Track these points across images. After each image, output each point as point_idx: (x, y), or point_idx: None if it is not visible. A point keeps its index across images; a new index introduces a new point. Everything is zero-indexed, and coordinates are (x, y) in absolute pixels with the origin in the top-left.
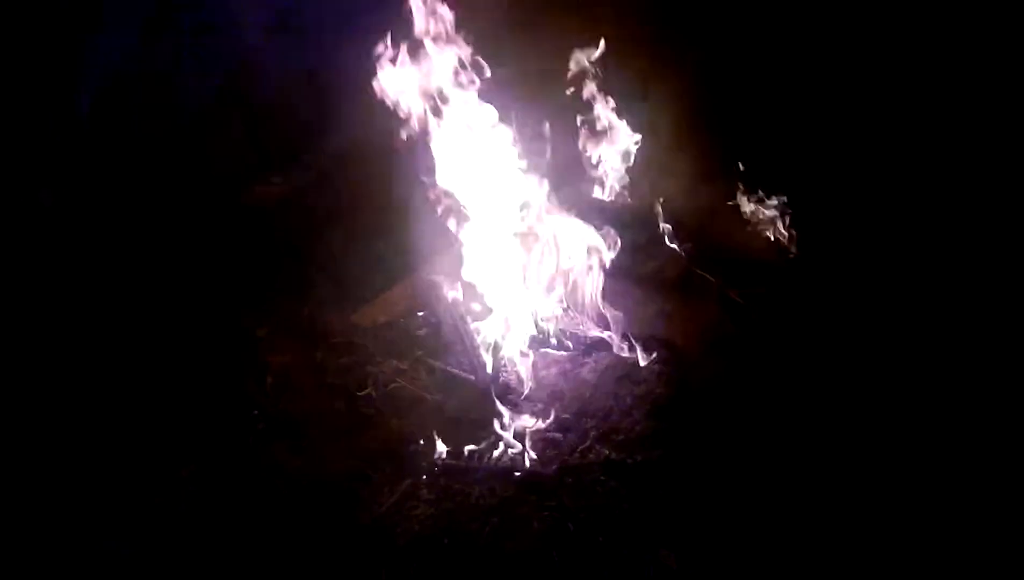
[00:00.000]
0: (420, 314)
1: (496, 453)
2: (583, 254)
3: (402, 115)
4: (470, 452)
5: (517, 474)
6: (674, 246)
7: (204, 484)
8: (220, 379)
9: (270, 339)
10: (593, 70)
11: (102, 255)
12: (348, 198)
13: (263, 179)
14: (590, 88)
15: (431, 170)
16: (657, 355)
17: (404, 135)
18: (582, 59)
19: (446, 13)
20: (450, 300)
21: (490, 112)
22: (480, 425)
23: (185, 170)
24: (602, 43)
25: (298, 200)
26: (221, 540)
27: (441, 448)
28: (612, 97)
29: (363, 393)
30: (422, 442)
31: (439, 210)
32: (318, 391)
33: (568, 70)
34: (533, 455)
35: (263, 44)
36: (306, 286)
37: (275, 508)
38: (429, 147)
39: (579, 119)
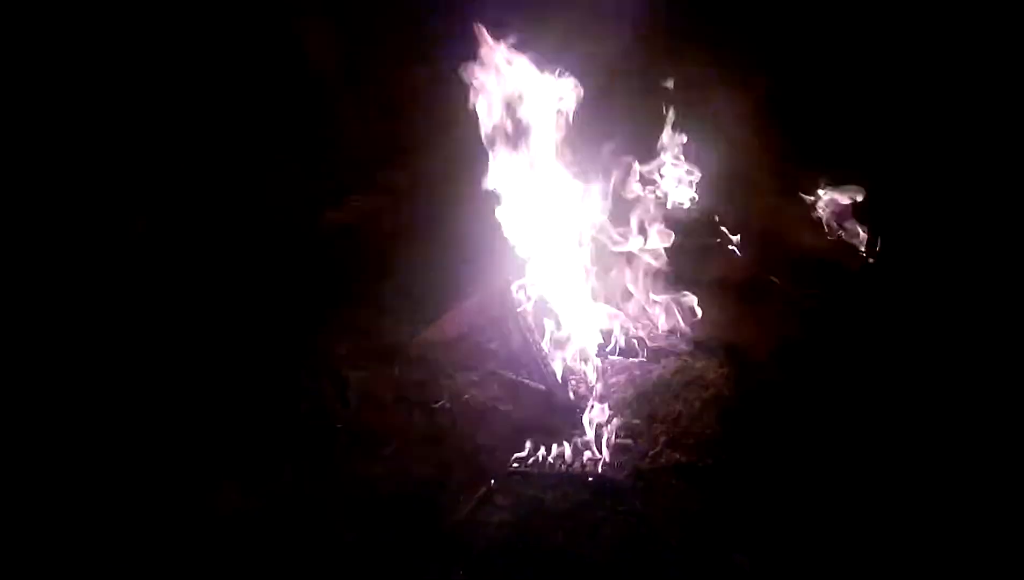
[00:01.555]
0: (490, 327)
1: (568, 459)
2: (649, 260)
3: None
4: (543, 459)
5: (590, 479)
6: (740, 250)
7: (296, 493)
8: (305, 395)
9: (350, 356)
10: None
11: (191, 280)
12: (421, 218)
13: (341, 202)
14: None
15: (500, 188)
16: (724, 359)
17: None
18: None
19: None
20: (518, 312)
21: (554, 127)
22: (552, 432)
23: (265, 197)
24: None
25: (374, 221)
26: (312, 544)
27: (515, 455)
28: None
29: (438, 405)
30: (496, 450)
31: (507, 225)
32: (396, 404)
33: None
34: (605, 460)
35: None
36: (382, 304)
37: (360, 516)
38: (500, 163)
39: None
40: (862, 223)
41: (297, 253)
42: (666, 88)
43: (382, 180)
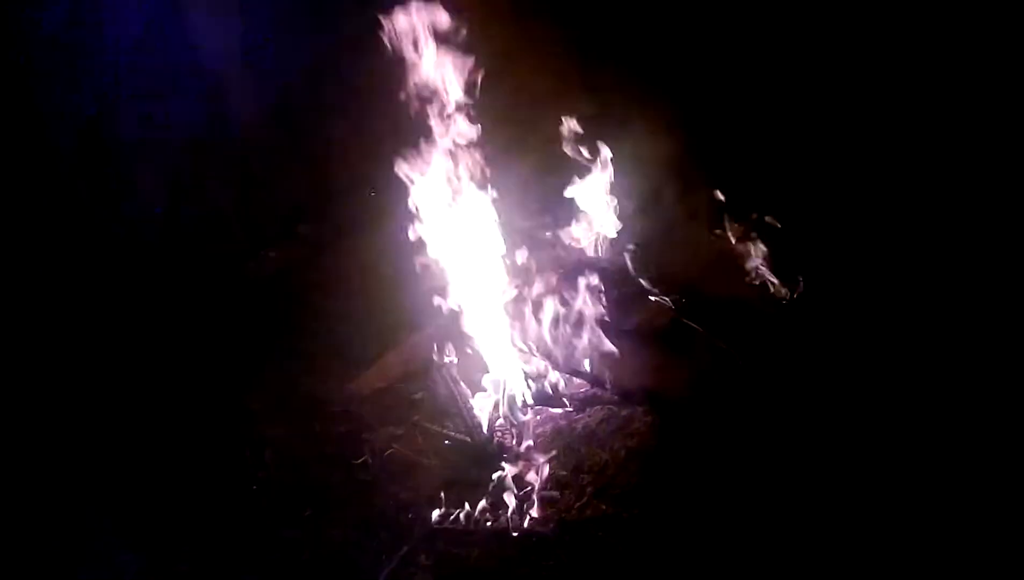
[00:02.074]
0: (415, 379)
1: (494, 514)
2: (571, 311)
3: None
4: (468, 515)
5: (516, 534)
6: (660, 298)
7: (208, 562)
8: (218, 455)
9: (267, 412)
10: (572, 126)
11: (98, 333)
12: (343, 269)
13: (258, 254)
14: (571, 144)
15: (422, 237)
16: (649, 407)
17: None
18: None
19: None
20: (444, 363)
21: (475, 178)
22: (477, 487)
23: (178, 250)
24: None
25: (294, 273)
26: None
27: (438, 512)
28: (594, 151)
29: (360, 461)
30: (419, 507)
31: (430, 277)
32: (316, 462)
33: (546, 125)
34: (531, 515)
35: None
36: (302, 357)
37: None
38: (418, 215)
39: (564, 176)
40: (780, 268)
41: (212, 307)
42: (585, 135)
43: (302, 231)
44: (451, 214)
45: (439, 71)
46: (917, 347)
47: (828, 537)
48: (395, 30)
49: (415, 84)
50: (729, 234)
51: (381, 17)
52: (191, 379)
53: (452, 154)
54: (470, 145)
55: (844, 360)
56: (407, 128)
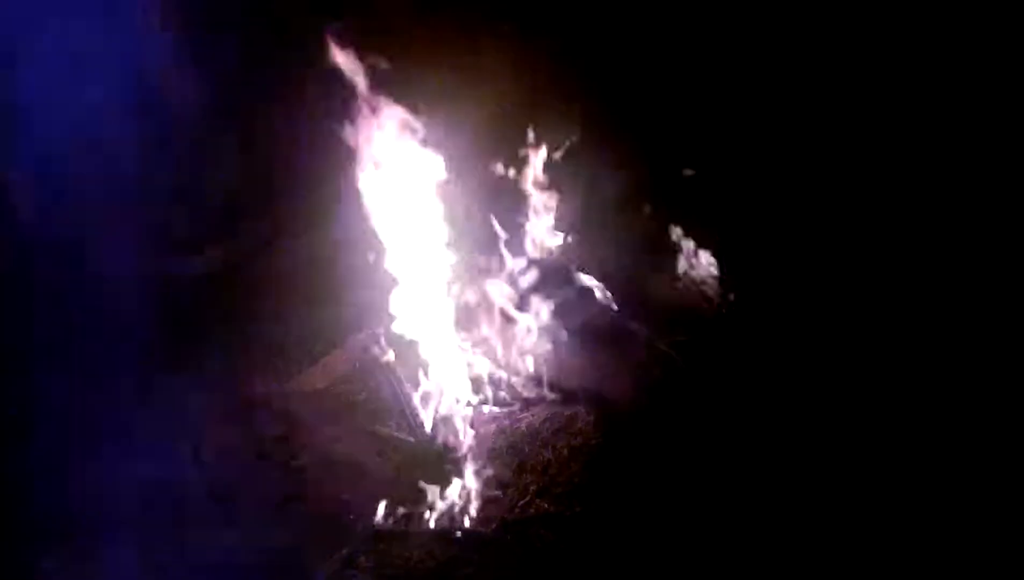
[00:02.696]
0: (358, 379)
1: (436, 515)
2: (515, 312)
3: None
4: (410, 515)
5: (458, 534)
6: (603, 300)
7: (143, 564)
8: (155, 455)
9: (207, 412)
10: (524, 133)
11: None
12: (285, 266)
13: (200, 251)
14: (520, 148)
15: (366, 236)
16: (592, 406)
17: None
18: (513, 122)
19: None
20: (387, 363)
21: (424, 176)
22: (419, 487)
23: (115, 245)
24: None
25: (235, 270)
26: None
27: (380, 513)
28: (541, 156)
29: (300, 462)
30: (361, 508)
31: (374, 275)
32: (255, 463)
33: (497, 131)
34: (473, 514)
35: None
36: (243, 356)
37: None
38: (365, 212)
39: (509, 179)
40: (719, 271)
41: (149, 303)
42: (530, 138)
43: (243, 228)
44: (396, 212)
45: (387, 70)
46: (855, 347)
47: (766, 532)
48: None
49: (362, 80)
50: (670, 235)
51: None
52: (126, 375)
53: (399, 152)
54: (419, 144)
55: (782, 359)
56: (352, 126)
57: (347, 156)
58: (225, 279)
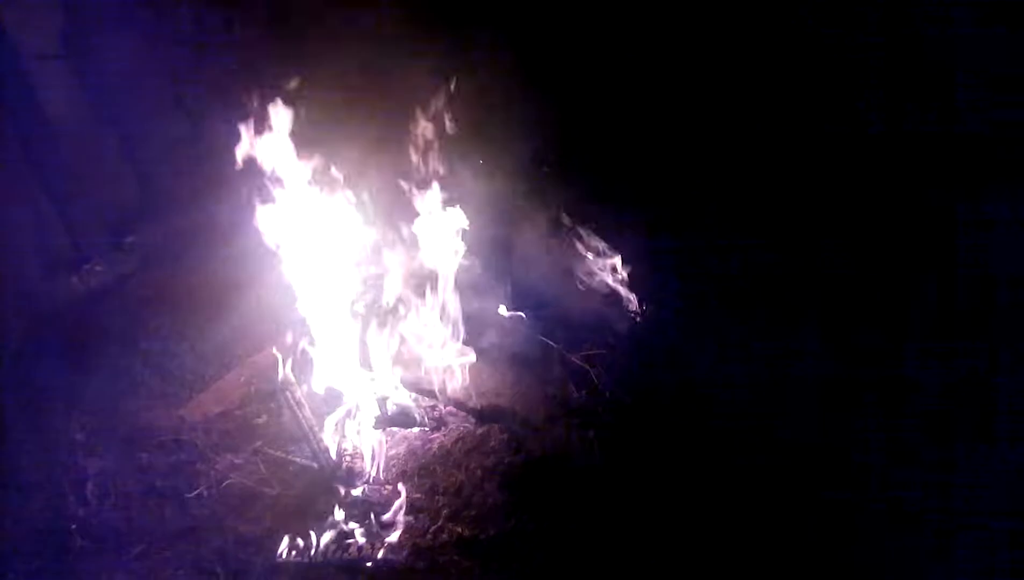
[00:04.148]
0: (256, 402)
1: (344, 544)
2: (424, 331)
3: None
4: (315, 547)
5: (368, 564)
6: (514, 316)
7: None
8: (32, 491)
9: (89, 442)
10: (425, 140)
11: None
12: (173, 284)
13: (81, 266)
14: (423, 161)
15: (264, 251)
16: (504, 425)
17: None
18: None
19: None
20: (287, 385)
21: (324, 190)
22: (326, 515)
23: None
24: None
25: (119, 288)
26: None
27: (283, 545)
28: (445, 170)
29: (194, 494)
30: (261, 541)
31: (272, 293)
32: (144, 497)
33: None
34: (384, 542)
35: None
36: (129, 381)
37: None
38: (261, 226)
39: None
40: (631, 283)
41: (28, 324)
42: (437, 147)
43: (129, 242)
44: (297, 225)
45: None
46: (771, 352)
47: (687, 543)
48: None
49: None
50: (581, 249)
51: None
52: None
53: (300, 159)
54: (320, 153)
55: (697, 367)
56: (249, 134)
57: (243, 167)
58: (110, 297)
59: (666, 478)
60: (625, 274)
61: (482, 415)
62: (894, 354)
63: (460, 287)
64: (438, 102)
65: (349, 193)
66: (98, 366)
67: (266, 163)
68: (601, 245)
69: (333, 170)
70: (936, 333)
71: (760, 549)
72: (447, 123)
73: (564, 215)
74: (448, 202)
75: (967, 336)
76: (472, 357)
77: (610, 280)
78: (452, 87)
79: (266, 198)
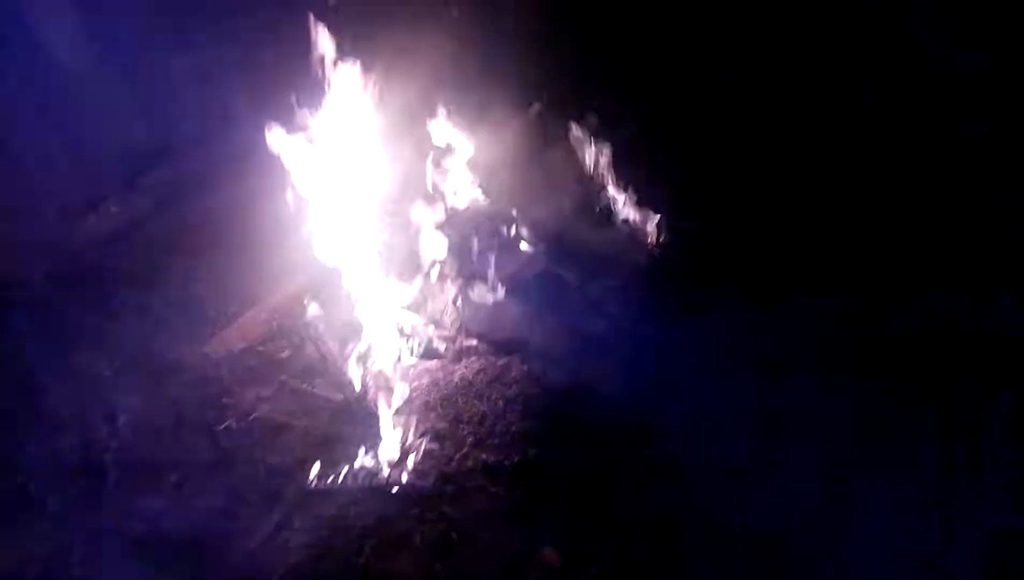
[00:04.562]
0: (280, 336)
1: (371, 471)
2: (444, 263)
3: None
4: (344, 474)
5: (395, 490)
6: (532, 248)
7: (60, 541)
8: (66, 427)
9: (118, 378)
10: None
11: None
12: (191, 223)
13: (97, 209)
14: (439, 96)
15: (283, 185)
16: (524, 356)
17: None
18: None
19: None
20: (310, 319)
21: (344, 123)
22: (352, 445)
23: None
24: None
25: (137, 228)
26: None
27: (312, 474)
28: (461, 105)
29: (223, 427)
30: (292, 470)
31: (293, 228)
32: (175, 430)
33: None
34: (411, 468)
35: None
36: (154, 319)
37: (139, 557)
38: (282, 162)
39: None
40: (651, 211)
41: (49, 267)
42: (444, 84)
43: (145, 182)
44: (316, 162)
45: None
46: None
47: (702, 476)
48: None
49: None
50: (600, 179)
51: None
52: (28, 343)
53: (321, 96)
54: (340, 87)
55: (716, 299)
56: (265, 67)
57: (262, 102)
58: (125, 239)
59: (684, 408)
60: (646, 204)
61: (503, 347)
62: None
63: (479, 224)
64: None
65: (373, 130)
66: (120, 307)
67: (285, 98)
68: (623, 176)
69: (356, 105)
70: None
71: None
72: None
73: (585, 146)
74: (468, 140)
75: None
76: (492, 291)
77: (630, 211)
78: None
79: (286, 133)
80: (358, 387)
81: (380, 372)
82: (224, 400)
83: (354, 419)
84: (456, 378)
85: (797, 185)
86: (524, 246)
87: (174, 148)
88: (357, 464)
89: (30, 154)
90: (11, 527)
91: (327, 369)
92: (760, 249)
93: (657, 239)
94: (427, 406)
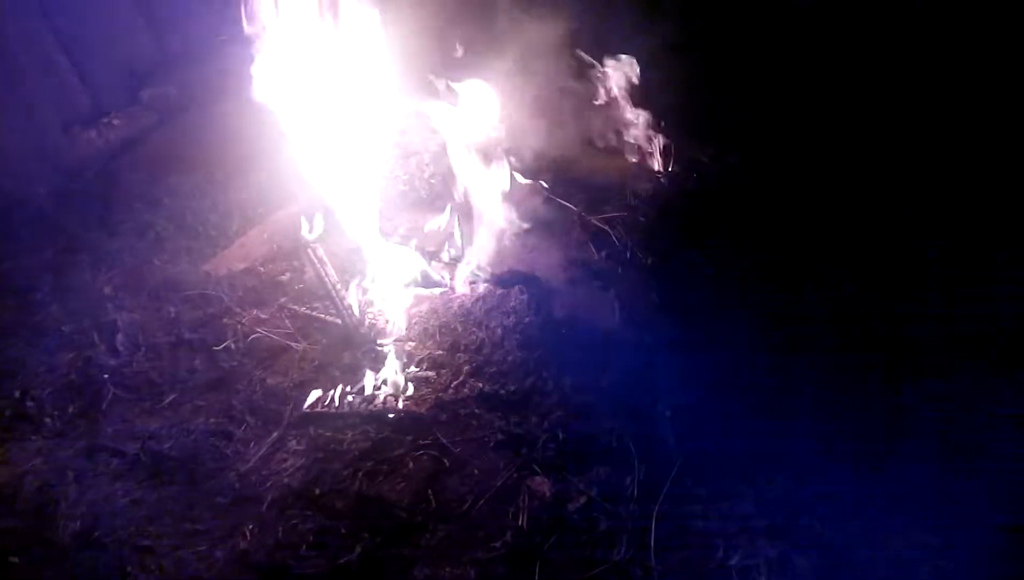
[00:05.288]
0: (280, 258)
1: (368, 396)
2: (445, 192)
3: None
4: (341, 398)
5: (391, 415)
6: (534, 179)
7: (56, 457)
8: (65, 343)
9: (117, 295)
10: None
11: None
12: (194, 139)
13: (97, 122)
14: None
15: (285, 104)
16: (523, 285)
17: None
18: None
19: None
20: (311, 242)
21: (347, 45)
22: (350, 370)
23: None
24: None
25: (139, 143)
26: (83, 512)
27: (310, 397)
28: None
29: (222, 346)
30: (289, 392)
31: (294, 148)
32: (173, 348)
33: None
34: (407, 394)
35: None
36: (154, 236)
37: (136, 474)
38: (281, 79)
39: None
40: (654, 141)
41: (52, 180)
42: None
43: (147, 96)
44: (320, 79)
45: None
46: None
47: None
48: None
49: None
50: (603, 109)
51: None
52: (26, 259)
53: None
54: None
55: (722, 231)
56: None
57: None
58: (128, 153)
59: (680, 338)
60: (650, 133)
61: (503, 276)
62: None
63: (480, 154)
64: None
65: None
66: (122, 222)
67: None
68: (627, 106)
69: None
70: None
71: None
72: None
73: (588, 78)
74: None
75: None
76: (492, 220)
77: (634, 139)
78: None
79: (287, 50)
80: (357, 312)
81: (380, 298)
82: (224, 320)
83: (352, 343)
84: (455, 306)
85: (814, 131)
86: (526, 176)
87: (178, 60)
88: (354, 389)
89: (33, 67)
90: (8, 443)
91: (327, 293)
92: (768, 188)
93: (666, 167)
94: (425, 333)
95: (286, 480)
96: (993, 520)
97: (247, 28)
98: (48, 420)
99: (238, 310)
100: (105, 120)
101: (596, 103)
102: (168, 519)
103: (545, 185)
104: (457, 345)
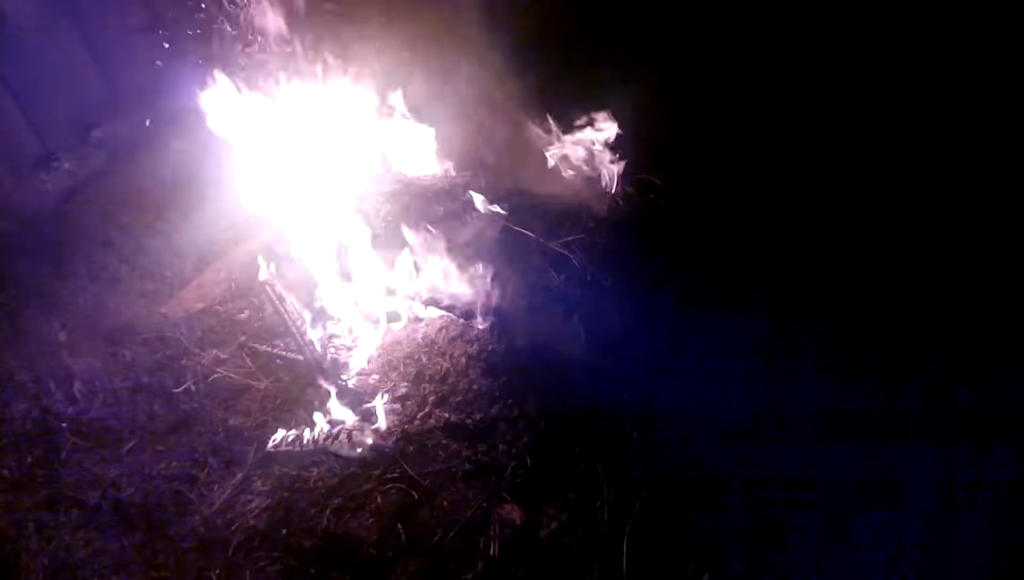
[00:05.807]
0: (238, 297)
1: (333, 432)
2: (402, 229)
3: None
4: (304, 435)
5: (357, 450)
6: (490, 208)
7: (13, 508)
8: (19, 392)
9: (73, 341)
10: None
11: None
12: (146, 178)
13: (49, 165)
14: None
15: (241, 142)
16: (485, 314)
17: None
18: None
19: None
20: (269, 280)
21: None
22: (313, 406)
23: None
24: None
25: (92, 183)
26: (40, 563)
27: (274, 435)
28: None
29: (181, 389)
30: (251, 432)
31: (251, 186)
32: (132, 393)
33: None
34: (373, 429)
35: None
36: (108, 279)
37: (96, 523)
38: (236, 116)
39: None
40: (611, 165)
41: (1, 226)
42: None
43: (97, 136)
44: (275, 115)
45: None
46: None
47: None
48: None
49: None
50: (556, 135)
51: None
52: None
53: (276, 49)
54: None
55: (677, 251)
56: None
57: (216, 49)
58: (79, 195)
59: (643, 359)
60: (607, 158)
61: (464, 306)
62: None
63: (438, 187)
64: None
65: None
66: (75, 266)
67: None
68: (582, 130)
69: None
70: None
71: None
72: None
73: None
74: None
75: None
76: (453, 252)
77: (592, 165)
78: None
79: (240, 88)
80: (318, 347)
81: (341, 332)
82: (182, 362)
83: (315, 380)
84: (419, 336)
85: (762, 147)
86: (484, 206)
87: (129, 98)
88: (318, 425)
89: None
90: None
91: (287, 330)
92: (722, 209)
93: (620, 190)
94: (389, 365)
95: (252, 522)
96: None
97: (201, 64)
98: (6, 472)
99: (197, 351)
100: (55, 163)
101: (550, 135)
102: (133, 567)
103: (503, 212)
104: (422, 375)
